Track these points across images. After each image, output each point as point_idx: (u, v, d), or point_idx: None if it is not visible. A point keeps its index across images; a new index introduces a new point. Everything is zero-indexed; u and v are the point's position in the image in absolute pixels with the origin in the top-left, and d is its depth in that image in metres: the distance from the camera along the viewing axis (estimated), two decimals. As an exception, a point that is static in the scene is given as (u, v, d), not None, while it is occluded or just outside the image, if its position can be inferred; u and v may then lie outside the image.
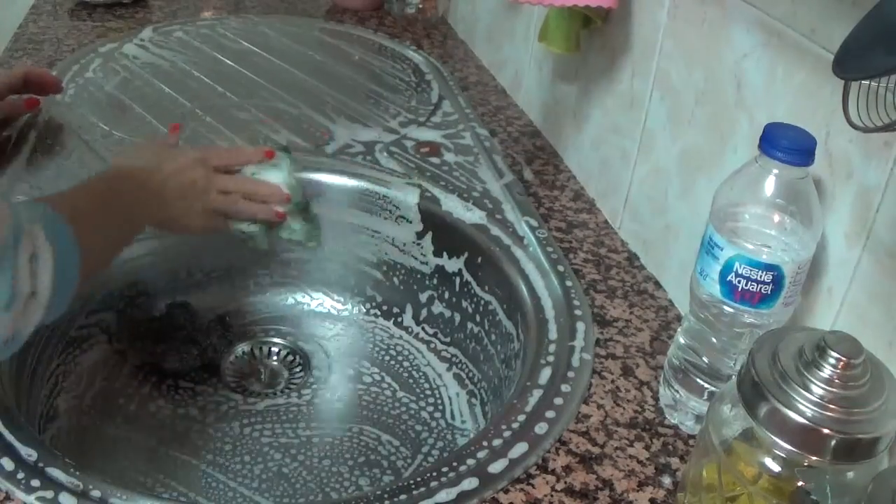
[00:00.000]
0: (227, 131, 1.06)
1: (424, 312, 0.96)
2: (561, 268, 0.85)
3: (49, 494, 0.58)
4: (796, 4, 0.65)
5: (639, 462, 0.66)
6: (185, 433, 0.84)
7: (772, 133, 0.60)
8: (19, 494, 0.58)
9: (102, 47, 1.26)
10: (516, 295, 0.83)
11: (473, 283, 0.90)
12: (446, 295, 0.94)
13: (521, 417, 0.68)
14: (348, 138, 1.08)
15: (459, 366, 0.92)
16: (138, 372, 0.90)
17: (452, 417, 0.88)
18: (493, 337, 0.87)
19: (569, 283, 0.83)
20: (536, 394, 0.70)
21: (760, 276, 0.61)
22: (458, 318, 0.93)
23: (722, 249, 0.62)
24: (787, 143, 0.59)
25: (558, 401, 0.70)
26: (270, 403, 0.89)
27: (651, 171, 0.87)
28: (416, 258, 0.95)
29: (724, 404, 0.56)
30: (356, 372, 0.93)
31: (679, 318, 0.81)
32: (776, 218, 0.61)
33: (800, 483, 0.52)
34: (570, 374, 0.73)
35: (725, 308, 0.64)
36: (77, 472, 0.60)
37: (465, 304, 0.92)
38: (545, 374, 0.72)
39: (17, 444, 0.62)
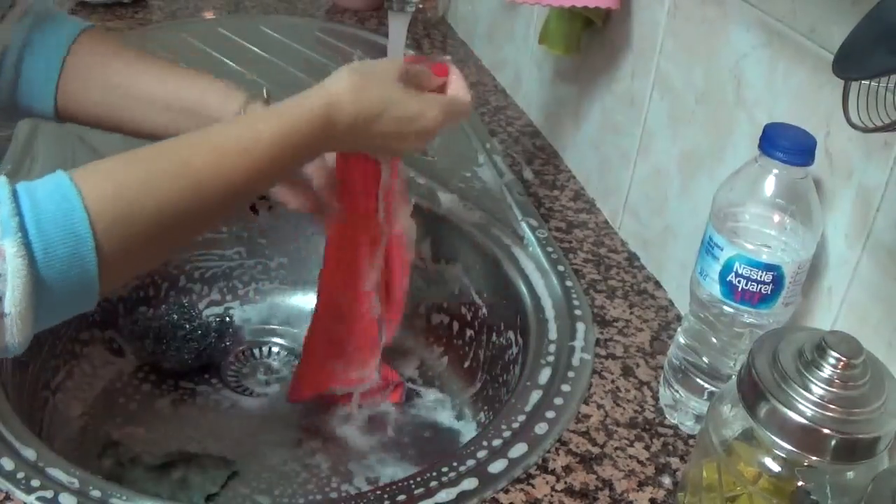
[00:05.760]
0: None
1: (423, 316, 0.96)
2: (561, 268, 0.85)
3: (49, 494, 0.58)
4: (796, 4, 0.65)
5: (639, 462, 0.66)
6: (184, 433, 0.84)
7: (772, 133, 0.60)
8: (19, 494, 0.58)
9: (102, 47, 1.25)
10: (516, 295, 0.83)
11: (472, 289, 0.90)
12: (445, 302, 0.94)
13: (521, 417, 0.68)
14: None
15: (458, 368, 0.92)
16: (138, 372, 0.90)
17: (452, 418, 0.88)
18: (492, 343, 0.87)
19: (569, 283, 0.83)
20: (536, 394, 0.70)
21: (760, 276, 0.61)
22: (456, 324, 0.93)
23: (722, 249, 0.62)
24: (787, 143, 0.59)
25: (558, 401, 0.70)
26: (269, 403, 0.89)
27: (651, 171, 0.87)
28: (415, 262, 0.95)
29: (724, 404, 0.56)
30: (356, 372, 0.93)
31: (679, 318, 0.81)
32: (776, 218, 0.61)
33: (800, 483, 0.52)
34: (570, 374, 0.73)
35: (725, 308, 0.64)
36: (77, 472, 0.60)
37: (463, 310, 0.92)
38: (545, 374, 0.72)
39: (17, 444, 0.62)
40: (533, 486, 0.63)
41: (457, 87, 0.72)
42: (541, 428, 0.67)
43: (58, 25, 0.73)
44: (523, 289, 0.83)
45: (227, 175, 0.57)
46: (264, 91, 0.76)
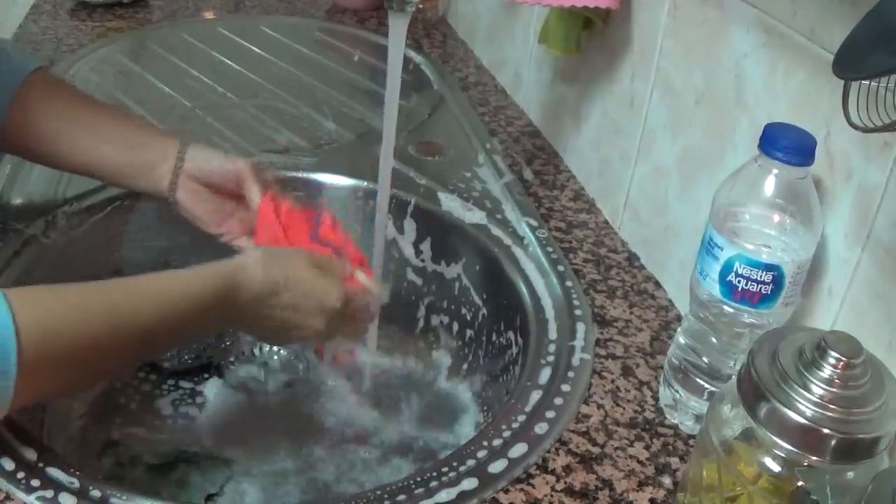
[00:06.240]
0: (227, 131, 1.06)
1: (423, 316, 0.96)
2: (561, 268, 0.85)
3: (49, 494, 0.58)
4: (796, 4, 0.65)
5: (639, 462, 0.66)
6: (184, 433, 0.84)
7: (772, 133, 0.60)
8: (19, 494, 0.58)
9: (102, 47, 1.26)
10: (516, 295, 0.83)
11: (472, 289, 0.91)
12: (445, 302, 0.94)
13: (521, 417, 0.68)
14: (348, 138, 1.08)
15: (458, 369, 0.92)
16: (138, 372, 0.90)
17: (452, 418, 0.88)
18: (493, 343, 0.87)
19: (569, 283, 0.83)
20: (536, 394, 0.70)
21: (760, 276, 0.61)
22: (456, 325, 0.93)
23: (722, 249, 0.62)
24: (786, 143, 0.59)
25: (558, 401, 0.70)
26: (270, 403, 0.89)
27: (651, 171, 0.87)
28: (414, 263, 0.95)
29: (724, 404, 0.56)
30: (356, 372, 0.93)
31: (679, 318, 0.81)
32: (776, 218, 0.61)
33: (800, 483, 0.52)
34: (570, 374, 0.73)
35: (725, 308, 0.64)
36: (77, 472, 0.60)
37: (463, 311, 0.92)
38: (545, 374, 0.72)
39: (17, 444, 0.62)
40: (533, 486, 0.63)
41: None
42: (541, 428, 0.67)
43: (9, 64, 0.78)
44: (523, 289, 0.83)
45: (142, 319, 0.61)
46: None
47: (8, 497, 0.58)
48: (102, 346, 0.59)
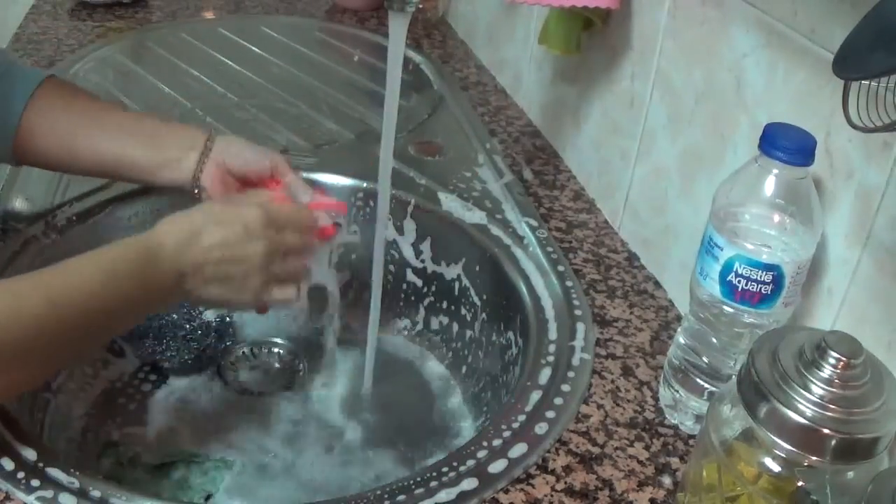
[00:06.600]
0: (227, 131, 1.06)
1: (423, 317, 0.96)
2: (561, 268, 0.85)
3: (49, 494, 0.58)
4: (796, 4, 0.65)
5: (639, 462, 0.66)
6: (184, 433, 0.84)
7: (772, 133, 0.60)
8: (19, 494, 0.58)
9: (102, 47, 1.26)
10: (516, 295, 0.83)
11: (472, 290, 0.90)
12: (444, 302, 0.94)
13: (521, 417, 0.68)
14: (347, 138, 1.08)
15: (458, 370, 0.92)
16: (138, 372, 0.90)
17: (452, 419, 0.88)
18: (492, 343, 0.87)
19: (569, 283, 0.83)
20: (536, 394, 0.70)
21: (760, 276, 0.61)
22: (455, 326, 0.93)
23: (722, 249, 0.62)
24: (787, 143, 0.59)
25: (558, 401, 0.70)
26: (270, 403, 0.89)
27: (651, 171, 0.87)
28: (413, 263, 0.95)
29: (724, 404, 0.56)
30: (356, 373, 0.93)
31: (679, 318, 0.81)
32: (776, 218, 0.61)
33: (800, 483, 0.52)
34: (570, 374, 0.73)
35: (725, 308, 0.64)
36: (77, 472, 0.60)
37: (463, 311, 0.92)
38: (545, 374, 0.72)
39: (17, 444, 0.62)
40: (533, 486, 0.63)
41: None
42: (541, 428, 0.67)
43: (18, 77, 0.78)
44: (523, 289, 0.83)
45: (78, 293, 0.60)
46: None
47: (8, 497, 0.58)
48: (47, 327, 0.58)
